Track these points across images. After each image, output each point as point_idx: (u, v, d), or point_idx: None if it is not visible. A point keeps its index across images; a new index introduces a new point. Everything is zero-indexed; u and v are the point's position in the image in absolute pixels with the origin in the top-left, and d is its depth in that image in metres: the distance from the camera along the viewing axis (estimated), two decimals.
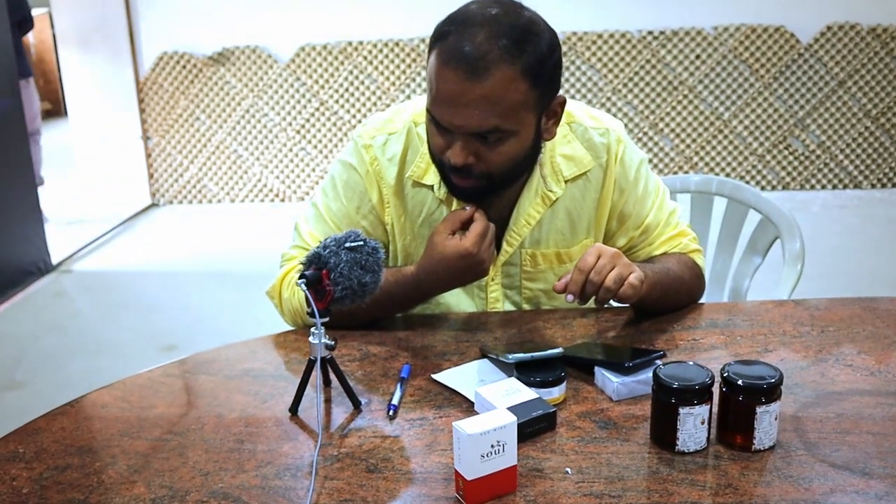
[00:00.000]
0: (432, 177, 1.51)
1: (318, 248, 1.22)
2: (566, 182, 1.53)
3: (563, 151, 1.52)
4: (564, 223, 1.55)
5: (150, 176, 5.83)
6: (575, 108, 1.56)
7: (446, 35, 1.32)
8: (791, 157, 5.39)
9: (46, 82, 8.53)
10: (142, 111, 5.69)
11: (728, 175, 5.44)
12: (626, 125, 5.35)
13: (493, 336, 1.47)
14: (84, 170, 6.00)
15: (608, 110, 5.41)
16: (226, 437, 1.19)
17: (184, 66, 5.56)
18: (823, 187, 5.42)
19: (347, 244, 1.21)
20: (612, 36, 5.28)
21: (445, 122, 1.34)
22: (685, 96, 5.34)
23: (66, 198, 6.00)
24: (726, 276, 2.39)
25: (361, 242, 1.21)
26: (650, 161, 5.37)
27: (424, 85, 3.31)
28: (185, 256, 4.87)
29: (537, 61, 1.32)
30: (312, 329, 1.21)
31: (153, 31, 5.54)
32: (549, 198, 1.52)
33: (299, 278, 1.19)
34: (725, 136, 5.40)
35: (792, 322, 1.49)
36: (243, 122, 5.65)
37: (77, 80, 5.77)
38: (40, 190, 5.36)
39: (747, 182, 5.44)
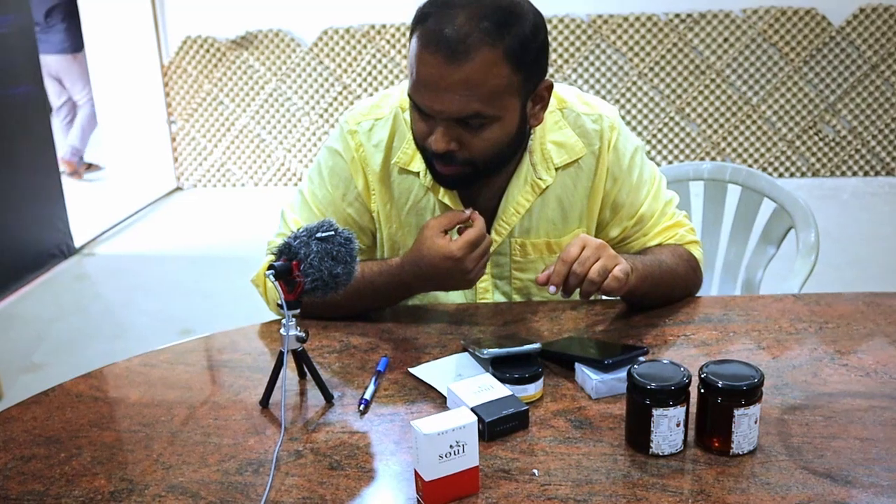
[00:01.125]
0: (418, 164, 1.47)
1: (289, 238, 1.19)
2: (557, 170, 1.48)
3: (553, 138, 1.48)
4: (555, 212, 1.51)
5: (175, 160, 5.85)
6: (567, 94, 1.51)
7: (426, 17, 1.27)
8: (821, 143, 5.26)
9: None
10: (166, 95, 5.71)
11: (756, 161, 5.33)
12: (651, 110, 5.31)
13: (479, 329, 1.44)
14: (110, 153, 6.05)
15: (633, 95, 5.33)
16: (193, 430, 1.17)
17: (207, 50, 5.57)
18: (854, 174, 5.30)
19: (318, 234, 1.18)
20: (637, 19, 5.18)
21: (426, 108, 1.30)
22: (712, 80, 5.24)
23: (92, 182, 6.06)
24: (739, 266, 2.33)
25: (332, 233, 1.18)
26: (676, 147, 5.30)
27: None
28: (207, 240, 4.89)
29: (520, 44, 1.27)
30: (283, 321, 1.19)
31: (177, 15, 5.56)
32: (538, 186, 1.48)
33: (268, 269, 1.16)
34: (754, 122, 5.28)
35: (789, 318, 1.43)
36: (266, 105, 5.65)
37: (102, 64, 5.80)
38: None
39: (776, 168, 5.34)
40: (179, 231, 5.11)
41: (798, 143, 5.28)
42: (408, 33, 5.79)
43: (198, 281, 4.22)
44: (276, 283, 1.16)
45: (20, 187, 4.15)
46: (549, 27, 5.24)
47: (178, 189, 5.89)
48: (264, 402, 1.22)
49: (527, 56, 1.29)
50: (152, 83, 5.68)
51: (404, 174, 1.49)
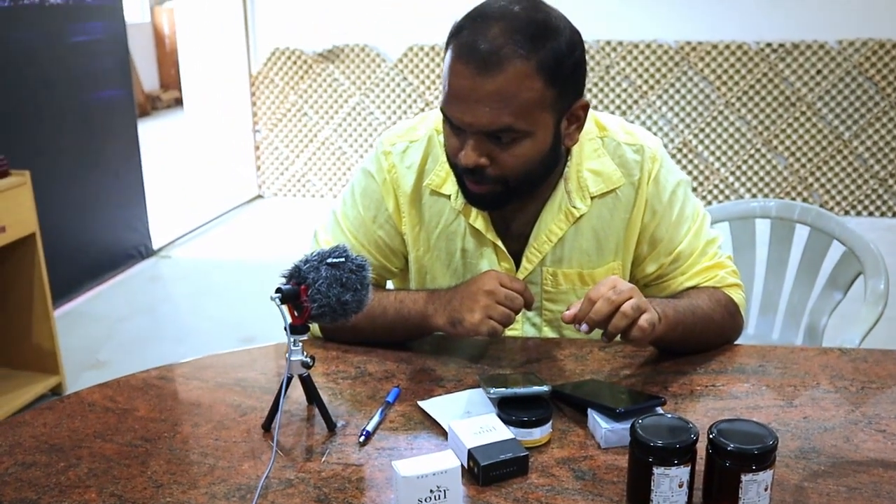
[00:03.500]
0: (450, 186, 1.44)
1: (299, 261, 1.17)
2: (592, 198, 1.43)
3: (591, 166, 1.43)
4: (590, 243, 1.45)
5: (258, 168, 5.97)
6: (609, 122, 1.46)
7: (461, 30, 1.26)
8: None
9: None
10: (253, 104, 5.83)
11: (846, 198, 5.12)
12: (737, 140, 5.15)
13: (499, 364, 1.39)
14: (197, 159, 6.21)
15: (720, 125, 5.18)
16: (192, 449, 1.16)
17: (294, 62, 5.67)
18: None
19: (329, 260, 1.16)
20: (727, 47, 5.05)
21: (457, 120, 1.28)
22: (803, 113, 5.05)
23: (176, 185, 6.23)
24: (803, 310, 2.22)
25: (343, 259, 1.16)
26: (761, 180, 5.13)
27: None
28: (282, 250, 4.95)
29: (555, 58, 1.24)
30: (292, 345, 1.17)
31: (267, 28, 5.67)
32: (572, 214, 1.43)
33: (275, 292, 1.15)
34: (844, 157, 5.07)
35: (829, 374, 1.34)
36: (349, 119, 5.71)
37: (194, 71, 5.97)
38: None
39: (866, 206, 5.11)
40: (256, 239, 5.20)
41: (891, 181, 5.04)
42: None
43: (268, 289, 4.24)
44: (282, 306, 1.14)
45: (105, 188, 4.29)
46: (635, 52, 5.16)
47: (259, 197, 6.01)
48: (266, 425, 1.20)
49: (561, 71, 1.25)
50: (240, 92, 5.82)
51: (436, 196, 1.46)
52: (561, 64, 1.25)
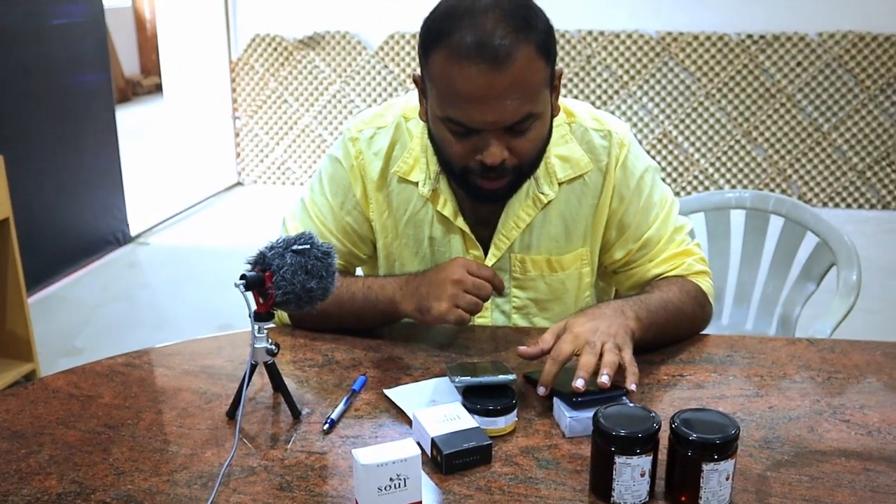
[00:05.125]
0: (418, 173, 1.43)
1: (264, 248, 1.16)
2: (560, 184, 1.43)
3: (558, 152, 1.42)
4: (558, 229, 1.45)
5: (237, 155, 5.93)
6: (577, 108, 1.45)
7: (449, 32, 1.22)
8: (894, 175, 5.04)
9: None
10: (233, 90, 5.79)
11: (824, 190, 5.14)
12: (717, 132, 5.16)
13: (468, 353, 1.39)
14: (177, 145, 6.17)
15: (700, 115, 5.19)
16: (155, 436, 1.15)
17: (275, 49, 5.63)
18: None
19: (295, 247, 1.15)
20: (708, 38, 5.05)
21: (475, 123, 1.24)
22: (783, 104, 5.07)
23: (155, 171, 6.18)
24: (777, 301, 2.23)
25: (308, 246, 1.15)
26: (741, 171, 5.14)
27: None
28: (262, 236, 4.88)
29: (546, 34, 1.25)
30: (256, 332, 1.16)
31: (248, 13, 5.63)
32: (540, 200, 1.43)
33: (240, 279, 1.14)
34: (823, 149, 5.10)
35: (797, 364, 1.35)
36: (329, 106, 5.68)
37: (174, 57, 5.92)
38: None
39: (844, 198, 5.14)
40: (235, 226, 5.17)
41: (869, 173, 5.07)
42: None
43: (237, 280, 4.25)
44: (247, 293, 1.13)
45: (82, 174, 4.25)
46: (616, 42, 5.16)
47: (239, 184, 5.97)
48: (231, 413, 1.19)
49: (550, 45, 1.26)
50: (220, 78, 5.77)
51: (403, 184, 1.45)
52: (550, 37, 1.27)
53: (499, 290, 1.36)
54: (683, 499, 0.99)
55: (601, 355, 1.17)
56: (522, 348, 1.24)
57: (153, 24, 9.17)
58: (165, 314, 3.85)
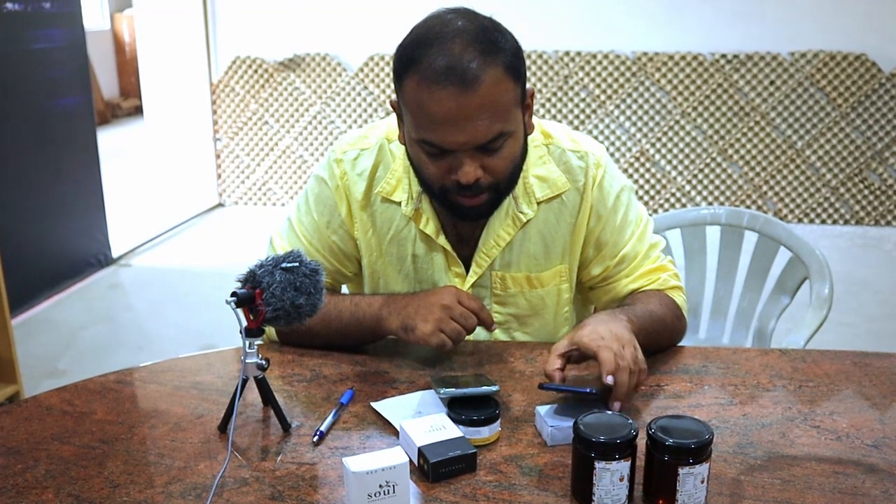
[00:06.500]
0: (401, 193, 1.48)
1: (254, 266, 1.20)
2: (539, 204, 1.48)
3: (536, 172, 1.47)
4: (537, 247, 1.50)
5: (219, 176, 5.96)
6: (554, 129, 1.51)
7: (419, 58, 1.27)
8: (866, 192, 5.15)
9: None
10: (213, 112, 5.82)
11: (798, 206, 5.24)
12: (693, 150, 5.25)
13: (451, 367, 1.43)
14: (157, 167, 6.18)
15: (676, 134, 5.28)
16: (149, 450, 1.18)
17: (255, 71, 5.67)
18: None
19: (284, 264, 1.19)
20: (683, 58, 5.15)
21: (448, 144, 1.30)
22: (757, 123, 5.17)
23: (135, 193, 6.19)
24: (753, 315, 2.28)
25: (297, 264, 1.19)
26: (717, 188, 5.23)
27: None
28: (244, 257, 4.91)
29: (513, 55, 1.30)
30: (247, 348, 1.20)
31: (228, 36, 5.67)
32: (519, 219, 1.47)
33: (231, 296, 1.18)
34: (797, 166, 5.20)
35: (769, 374, 1.40)
36: (310, 127, 5.72)
37: (154, 79, 5.95)
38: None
39: (818, 214, 5.23)
40: (217, 247, 5.19)
41: (842, 189, 5.17)
42: None
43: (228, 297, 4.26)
44: (238, 310, 1.17)
45: (63, 196, 4.26)
46: (593, 62, 5.24)
47: (220, 205, 5.99)
48: (223, 426, 1.23)
49: (519, 65, 1.31)
50: (201, 100, 5.81)
51: (386, 203, 1.50)
52: (518, 58, 1.31)
53: (486, 325, 1.40)
54: (661, 502, 1.03)
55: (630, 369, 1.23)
56: (551, 374, 1.26)
57: (132, 47, 9.20)
58: (148, 335, 3.86)
